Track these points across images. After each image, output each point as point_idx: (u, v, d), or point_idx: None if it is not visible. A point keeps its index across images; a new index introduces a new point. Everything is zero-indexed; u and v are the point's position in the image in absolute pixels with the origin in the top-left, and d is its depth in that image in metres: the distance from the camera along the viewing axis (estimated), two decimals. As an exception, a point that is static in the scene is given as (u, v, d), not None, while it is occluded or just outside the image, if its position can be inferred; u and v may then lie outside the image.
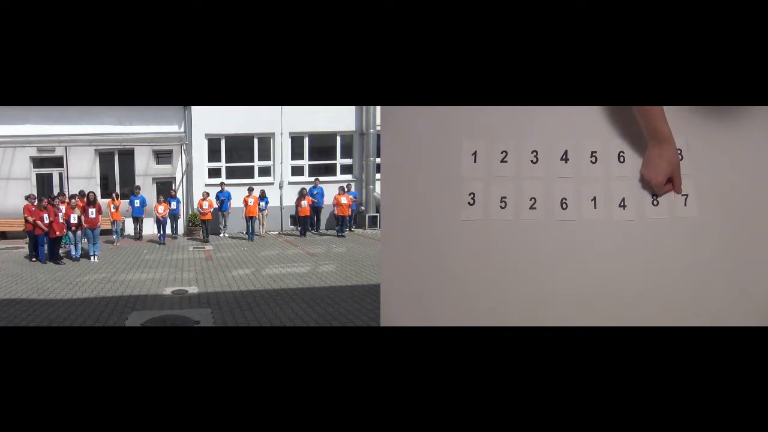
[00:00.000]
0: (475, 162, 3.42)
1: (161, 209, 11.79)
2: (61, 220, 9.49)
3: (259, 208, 12.39)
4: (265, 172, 13.63)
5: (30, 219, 9.53)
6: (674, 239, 3.18)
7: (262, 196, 12.56)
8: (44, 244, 9.42)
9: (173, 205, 12.29)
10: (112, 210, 11.23)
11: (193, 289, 7.27)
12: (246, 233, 12.28)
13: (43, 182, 12.81)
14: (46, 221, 9.32)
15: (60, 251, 9.64)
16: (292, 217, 13.42)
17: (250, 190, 12.41)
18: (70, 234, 9.68)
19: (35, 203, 9.80)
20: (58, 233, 9.43)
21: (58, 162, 12.79)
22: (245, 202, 12.22)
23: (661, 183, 3.23)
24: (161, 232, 11.72)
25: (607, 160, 3.38)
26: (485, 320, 3.10)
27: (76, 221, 9.66)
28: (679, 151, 3.29)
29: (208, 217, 12.05)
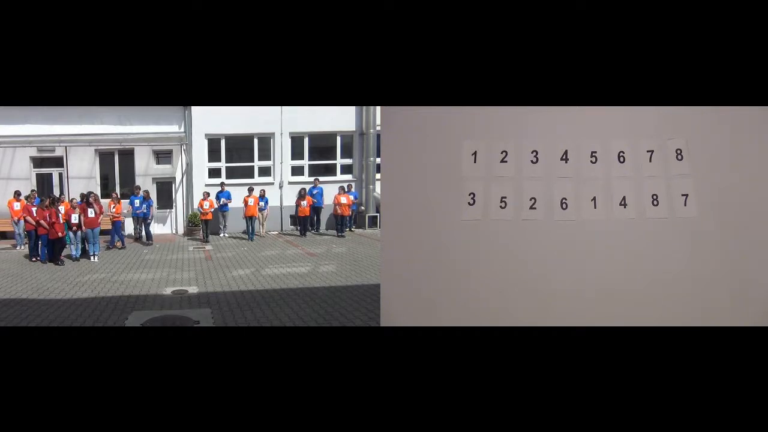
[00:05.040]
0: (475, 162, 3.42)
1: (112, 209, 10.86)
2: (61, 221, 9.48)
3: (259, 208, 12.39)
4: (265, 172, 13.61)
5: (30, 219, 9.54)
6: (674, 239, 3.18)
7: (262, 196, 12.56)
8: (47, 245, 9.42)
9: (137, 203, 11.46)
10: (112, 210, 11.22)
11: (193, 289, 7.27)
12: (246, 233, 12.28)
13: (43, 182, 12.79)
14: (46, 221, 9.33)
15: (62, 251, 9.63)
16: (292, 217, 13.41)
17: (250, 190, 12.40)
18: (71, 234, 9.68)
19: (34, 202, 9.83)
20: (59, 234, 9.41)
21: (58, 162, 12.77)
22: (245, 202, 12.21)
23: None
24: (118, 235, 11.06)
25: (607, 160, 3.38)
26: (485, 320, 3.10)
27: (76, 221, 9.66)
28: (679, 151, 3.29)
29: (209, 217, 12.05)
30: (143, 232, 11.81)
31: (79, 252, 9.79)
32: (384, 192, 3.46)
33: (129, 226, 12.32)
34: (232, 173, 13.46)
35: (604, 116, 3.46)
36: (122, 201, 11.66)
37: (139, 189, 12.02)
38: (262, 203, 12.50)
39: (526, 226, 3.27)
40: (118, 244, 11.00)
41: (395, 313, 3.18)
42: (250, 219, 12.20)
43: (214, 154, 13.42)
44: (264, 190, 12.72)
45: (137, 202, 11.82)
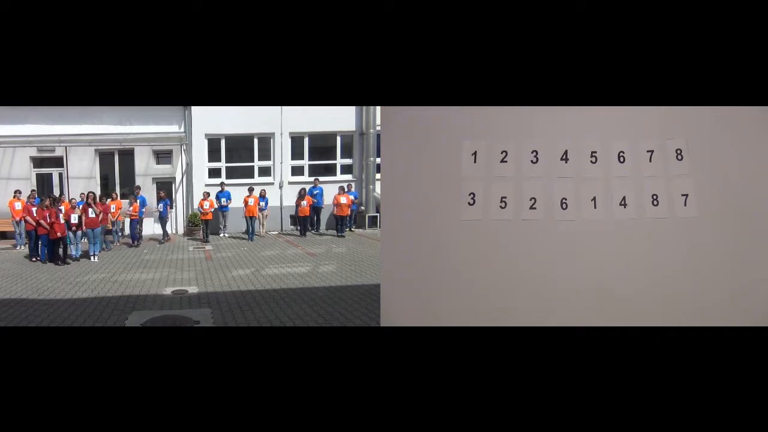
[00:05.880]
0: (475, 162, 3.42)
1: (129, 209, 11.25)
2: (61, 221, 9.48)
3: (259, 208, 12.39)
4: (265, 172, 13.61)
5: (30, 219, 9.55)
6: (674, 239, 3.18)
7: (262, 196, 12.56)
8: (47, 245, 9.42)
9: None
10: (113, 210, 11.23)
11: (193, 289, 7.27)
12: (246, 233, 12.28)
13: (43, 182, 12.79)
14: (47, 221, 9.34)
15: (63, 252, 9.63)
16: (292, 217, 13.41)
17: (251, 190, 12.41)
18: (70, 234, 9.68)
19: (34, 202, 9.83)
20: (59, 234, 9.41)
21: (58, 162, 12.77)
22: (245, 202, 12.22)
23: None
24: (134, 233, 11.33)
25: (607, 160, 3.38)
26: (485, 320, 3.10)
27: (76, 221, 9.66)
28: (679, 151, 3.29)
29: (209, 217, 12.05)
30: (142, 232, 11.85)
31: (79, 252, 9.79)
32: (384, 192, 3.46)
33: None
34: (232, 173, 13.46)
35: (604, 116, 3.46)
36: (123, 201, 11.68)
37: (139, 189, 12.04)
38: (262, 203, 12.51)
39: (526, 226, 3.27)
40: (123, 240, 11.05)
41: (395, 313, 3.18)
42: (250, 219, 12.20)
43: (214, 154, 13.42)
44: (264, 190, 12.73)
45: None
